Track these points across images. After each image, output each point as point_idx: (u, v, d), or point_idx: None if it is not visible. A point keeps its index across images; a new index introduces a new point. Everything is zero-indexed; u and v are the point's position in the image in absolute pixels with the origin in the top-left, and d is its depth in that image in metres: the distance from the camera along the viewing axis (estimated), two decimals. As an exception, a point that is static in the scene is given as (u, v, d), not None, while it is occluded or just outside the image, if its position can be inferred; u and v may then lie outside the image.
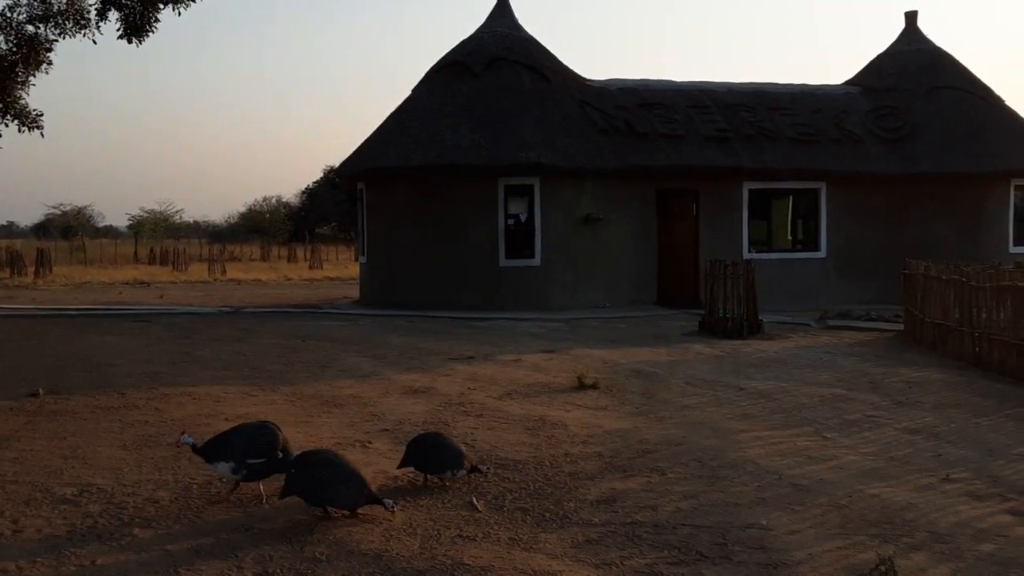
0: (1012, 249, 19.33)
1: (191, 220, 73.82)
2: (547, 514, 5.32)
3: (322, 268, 37.23)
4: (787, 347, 12.71)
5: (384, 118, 19.33)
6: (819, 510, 5.43)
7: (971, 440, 7.31)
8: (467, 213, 17.81)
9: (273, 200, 67.67)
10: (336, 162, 34.08)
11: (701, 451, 6.76)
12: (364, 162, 18.74)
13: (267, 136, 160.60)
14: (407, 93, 19.81)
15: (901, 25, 22.05)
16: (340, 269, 36.54)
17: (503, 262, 17.78)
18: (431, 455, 5.78)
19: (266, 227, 59.24)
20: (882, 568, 4.36)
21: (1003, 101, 20.72)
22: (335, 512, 5.13)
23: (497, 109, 18.09)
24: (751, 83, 20.76)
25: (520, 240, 17.89)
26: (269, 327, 14.68)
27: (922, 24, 21.87)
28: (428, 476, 5.84)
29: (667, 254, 18.65)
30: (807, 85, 21.14)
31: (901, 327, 14.12)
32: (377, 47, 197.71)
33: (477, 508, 5.40)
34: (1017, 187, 19.71)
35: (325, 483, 5.04)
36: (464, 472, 5.77)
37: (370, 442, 6.92)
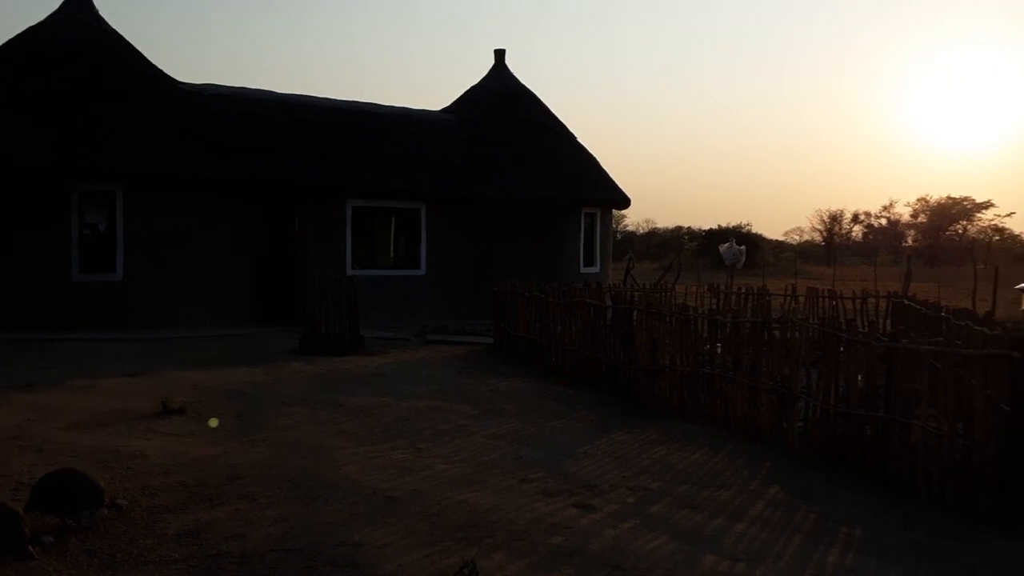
0: (583, 269, 21.77)
1: None
2: (119, 555, 4.76)
3: None
4: (387, 362, 12.94)
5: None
6: (410, 520, 5.49)
7: (546, 442, 7.96)
8: (31, 221, 15.61)
9: None
10: None
11: (296, 472, 6.52)
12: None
13: None
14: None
15: (492, 60, 23.89)
16: None
17: (77, 276, 15.87)
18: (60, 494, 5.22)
19: None
20: (465, 571, 4.51)
21: (575, 136, 23.39)
22: None
23: (74, 108, 16.15)
24: (354, 101, 21.03)
25: (99, 252, 16.13)
26: None
27: (509, 62, 23.92)
28: (66, 519, 5.19)
29: (268, 269, 18.09)
30: (408, 109, 21.96)
31: (492, 341, 15.13)
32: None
33: (33, 556, 4.65)
34: (587, 214, 22.30)
35: None
36: (105, 510, 5.22)
37: None
